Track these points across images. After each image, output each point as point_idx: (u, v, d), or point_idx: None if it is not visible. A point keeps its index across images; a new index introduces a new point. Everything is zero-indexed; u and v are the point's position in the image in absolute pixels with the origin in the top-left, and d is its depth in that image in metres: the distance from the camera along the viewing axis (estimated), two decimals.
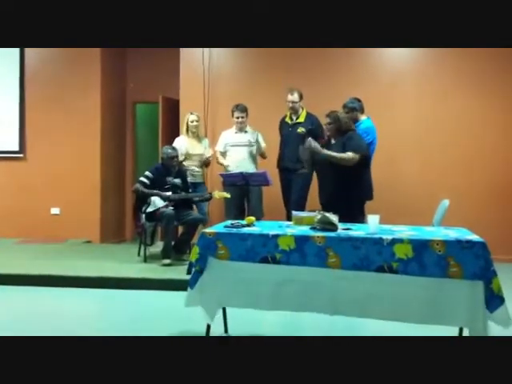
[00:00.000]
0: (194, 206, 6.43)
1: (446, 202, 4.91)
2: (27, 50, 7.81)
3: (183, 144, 6.42)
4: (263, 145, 6.30)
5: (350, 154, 4.70)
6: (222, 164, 6.30)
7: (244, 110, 6.22)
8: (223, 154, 6.32)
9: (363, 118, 5.54)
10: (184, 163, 6.37)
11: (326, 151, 4.78)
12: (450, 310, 3.00)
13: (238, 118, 6.21)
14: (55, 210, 7.80)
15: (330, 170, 4.81)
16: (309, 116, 6.01)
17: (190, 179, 6.36)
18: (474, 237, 3.09)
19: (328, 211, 3.46)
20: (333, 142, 4.95)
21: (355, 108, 5.43)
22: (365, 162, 4.87)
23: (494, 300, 2.88)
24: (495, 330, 2.95)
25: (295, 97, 5.99)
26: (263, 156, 6.35)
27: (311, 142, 4.86)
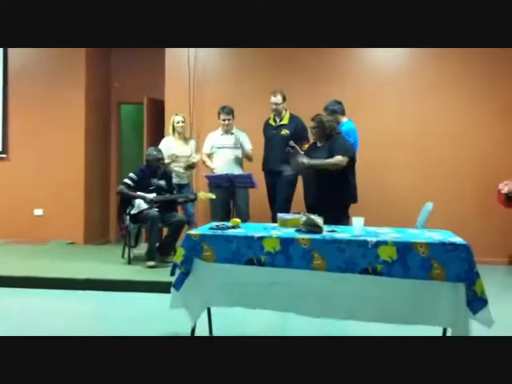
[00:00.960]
0: (180, 208, 6.43)
1: (429, 205, 4.95)
2: (11, 50, 7.74)
3: (170, 145, 6.41)
4: (249, 147, 6.30)
5: (338, 158, 4.73)
6: (208, 166, 6.29)
7: (230, 112, 6.21)
8: (209, 155, 6.32)
9: (344, 119, 5.57)
10: (171, 165, 6.36)
11: (313, 162, 4.79)
12: (433, 311, 3.03)
13: (224, 120, 6.21)
14: (38, 211, 7.74)
15: (315, 173, 4.84)
16: (292, 118, 6.02)
17: (175, 180, 6.35)
18: (458, 239, 3.12)
19: (313, 213, 3.47)
20: (319, 144, 4.97)
21: (336, 110, 5.46)
22: (350, 164, 4.90)
23: (477, 302, 2.91)
24: (480, 329, 2.98)
25: (278, 99, 5.99)
26: (249, 158, 6.34)
27: (302, 160, 4.84)
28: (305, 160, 4.81)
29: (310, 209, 4.68)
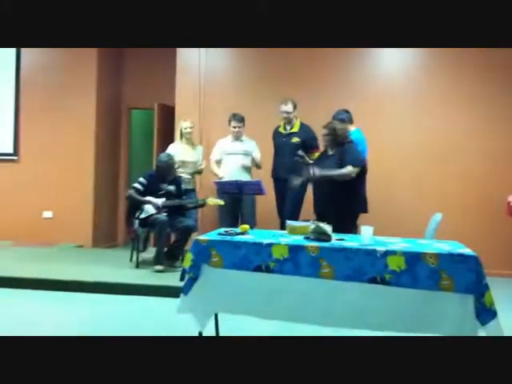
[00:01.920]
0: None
1: (438, 216, 4.93)
2: (24, 54, 7.83)
3: (177, 150, 6.43)
4: (258, 155, 6.31)
5: (349, 168, 4.71)
6: (216, 174, 6.29)
7: (241, 119, 6.23)
8: (218, 162, 6.33)
9: (352, 129, 5.55)
10: (178, 170, 6.38)
11: (324, 172, 4.77)
12: (441, 321, 3.01)
13: (234, 127, 6.23)
14: (48, 214, 7.78)
15: (325, 182, 4.82)
16: (302, 126, 6.03)
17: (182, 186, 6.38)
18: (467, 250, 3.11)
19: (322, 222, 3.47)
20: (330, 152, 4.96)
21: (344, 119, 5.43)
22: (361, 174, 4.89)
23: (486, 313, 2.89)
24: None
25: (289, 107, 6.01)
26: (258, 166, 6.35)
27: (313, 170, 4.83)
28: (316, 171, 4.80)
29: (319, 217, 4.68)
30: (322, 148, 5.37)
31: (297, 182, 5.07)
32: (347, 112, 5.59)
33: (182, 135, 6.54)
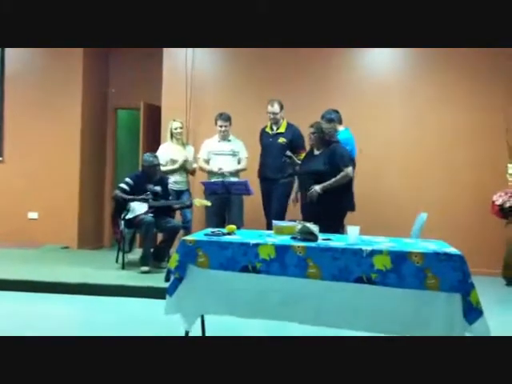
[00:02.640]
0: (179, 213, 6.43)
1: (423, 215, 4.95)
2: (7, 53, 7.74)
3: (168, 151, 6.41)
4: (245, 155, 6.30)
5: (346, 170, 4.79)
6: (208, 171, 6.27)
7: (227, 118, 6.22)
8: (206, 161, 6.32)
9: (341, 128, 5.57)
10: (170, 174, 6.36)
11: (325, 185, 4.81)
12: (428, 321, 3.02)
13: (221, 126, 6.22)
14: (33, 215, 7.72)
15: (312, 181, 4.84)
16: (289, 126, 6.03)
17: (174, 187, 6.35)
18: (452, 249, 3.12)
19: (309, 221, 3.47)
20: (316, 152, 4.97)
21: (333, 119, 5.45)
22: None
23: (472, 312, 2.91)
24: None
25: (275, 108, 6.01)
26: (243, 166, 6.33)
27: (315, 189, 4.83)
28: (317, 188, 4.82)
29: (306, 217, 4.69)
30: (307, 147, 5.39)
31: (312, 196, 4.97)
32: (336, 112, 5.60)
33: (172, 135, 6.51)
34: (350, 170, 4.82)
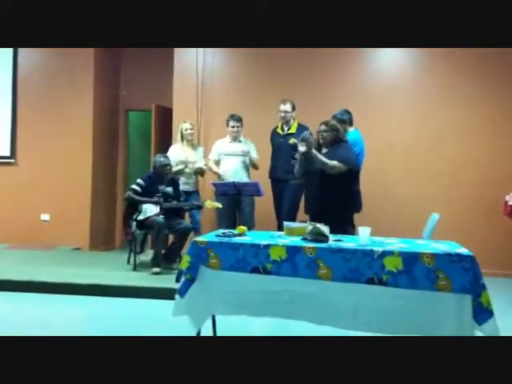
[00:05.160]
0: (187, 215, 6.44)
1: (435, 216, 4.93)
2: (20, 55, 7.81)
3: (178, 152, 6.43)
4: (256, 156, 6.32)
5: (339, 165, 4.64)
6: (215, 172, 6.31)
7: (239, 120, 6.24)
8: (217, 162, 6.34)
9: (351, 129, 5.56)
10: (185, 171, 6.39)
11: (318, 154, 4.65)
12: (438, 322, 3.01)
13: (233, 127, 6.23)
14: (45, 217, 7.77)
15: (319, 181, 4.78)
16: (300, 127, 6.01)
17: (183, 188, 6.37)
18: (463, 250, 3.11)
19: (318, 222, 3.46)
20: (324, 151, 4.92)
21: (344, 120, 5.42)
22: (354, 174, 4.85)
23: (483, 313, 2.90)
24: None
25: (287, 107, 6.02)
26: (255, 167, 6.36)
27: (309, 138, 4.69)
28: (312, 139, 4.69)
29: (313, 217, 4.65)
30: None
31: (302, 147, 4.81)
32: (349, 113, 5.59)
33: (182, 137, 6.53)
34: (342, 167, 4.64)
